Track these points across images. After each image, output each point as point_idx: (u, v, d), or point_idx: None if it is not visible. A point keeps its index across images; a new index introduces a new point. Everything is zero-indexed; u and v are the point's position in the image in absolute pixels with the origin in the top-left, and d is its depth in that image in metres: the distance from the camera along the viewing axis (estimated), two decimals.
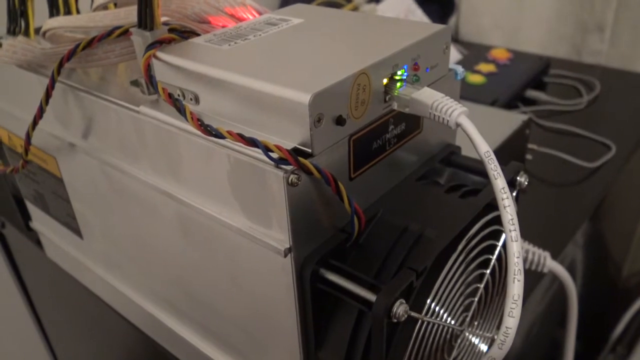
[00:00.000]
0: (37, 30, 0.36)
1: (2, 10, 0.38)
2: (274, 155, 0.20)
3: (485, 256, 0.26)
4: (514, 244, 0.20)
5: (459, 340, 0.27)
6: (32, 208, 0.43)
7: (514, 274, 0.20)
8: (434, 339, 0.25)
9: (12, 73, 0.34)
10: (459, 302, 0.26)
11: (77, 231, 0.38)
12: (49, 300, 0.58)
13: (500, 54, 0.70)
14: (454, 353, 0.27)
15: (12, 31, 0.36)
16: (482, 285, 0.27)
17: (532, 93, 0.65)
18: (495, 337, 0.32)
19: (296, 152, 0.21)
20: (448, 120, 0.22)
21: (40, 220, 0.43)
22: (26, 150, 0.31)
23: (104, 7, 0.37)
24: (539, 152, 0.53)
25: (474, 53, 0.73)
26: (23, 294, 0.63)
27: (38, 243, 0.47)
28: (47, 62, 0.30)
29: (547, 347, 0.58)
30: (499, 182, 0.21)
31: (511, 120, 0.41)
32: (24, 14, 0.36)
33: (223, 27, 0.29)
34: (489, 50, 0.72)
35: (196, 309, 0.31)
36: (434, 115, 0.22)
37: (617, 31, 0.77)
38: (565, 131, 0.58)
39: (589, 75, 0.69)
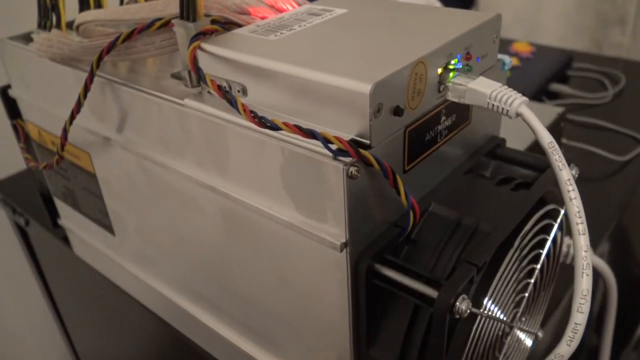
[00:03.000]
0: (68, 24, 0.35)
1: (25, 5, 0.38)
2: (333, 146, 0.20)
3: (536, 251, 0.26)
4: (581, 238, 0.20)
5: (509, 337, 0.27)
6: (61, 205, 0.43)
7: (583, 268, 0.20)
8: (488, 335, 0.24)
9: (46, 67, 0.33)
10: (511, 298, 0.25)
11: (108, 228, 0.38)
12: (72, 298, 0.58)
13: (522, 48, 0.69)
14: (504, 349, 0.27)
15: (43, 25, 0.35)
16: (532, 281, 0.26)
17: (556, 87, 0.64)
18: (539, 333, 0.31)
19: (354, 144, 0.20)
20: (508, 110, 0.21)
21: (69, 217, 0.43)
22: (62, 146, 0.31)
23: (136, 0, 0.37)
24: (568, 145, 0.52)
25: None
26: (45, 292, 0.63)
27: (65, 240, 0.46)
28: (85, 55, 0.30)
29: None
30: (564, 174, 0.20)
31: (547, 113, 0.40)
32: (55, 8, 0.35)
33: (263, 18, 0.29)
34: (511, 44, 0.71)
35: (235, 304, 0.30)
36: (493, 105, 0.22)
37: (638, 24, 0.76)
38: (592, 125, 0.58)
39: (613, 68, 0.68)
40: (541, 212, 0.24)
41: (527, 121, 0.21)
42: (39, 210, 0.49)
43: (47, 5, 0.35)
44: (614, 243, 0.62)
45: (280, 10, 0.29)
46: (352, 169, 0.20)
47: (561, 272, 0.39)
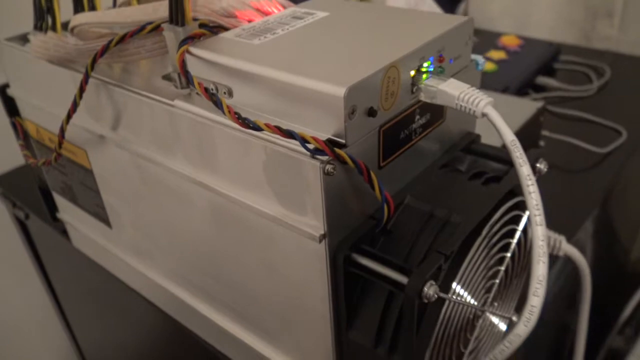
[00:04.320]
0: (63, 25, 0.37)
1: (19, 7, 0.39)
2: (310, 146, 0.21)
3: (506, 240, 0.28)
4: (539, 228, 0.21)
5: (480, 321, 0.29)
6: (59, 199, 0.44)
7: (539, 256, 0.21)
8: (458, 318, 0.26)
9: (42, 68, 0.35)
10: (482, 284, 0.27)
11: (105, 221, 0.39)
12: (72, 289, 0.60)
13: (510, 41, 0.71)
14: (476, 332, 0.29)
15: (39, 27, 0.37)
16: (503, 268, 0.28)
17: (542, 80, 0.66)
18: (514, 318, 0.33)
19: (330, 143, 0.22)
20: (474, 111, 0.23)
21: (67, 211, 0.44)
22: (60, 144, 0.33)
23: (128, 3, 0.38)
24: (551, 138, 0.54)
25: (484, 40, 0.73)
26: (46, 285, 0.65)
27: (64, 233, 0.48)
28: (80, 57, 0.31)
29: (558, 330, 0.59)
30: (525, 170, 0.22)
31: (526, 108, 0.42)
32: (50, 9, 0.37)
33: (249, 21, 0.30)
34: (499, 37, 0.72)
35: (227, 293, 0.32)
36: (461, 105, 0.23)
37: (626, 17, 0.78)
38: (576, 117, 0.59)
39: (599, 61, 0.70)
40: (509, 203, 0.26)
41: (491, 121, 0.23)
42: (39, 204, 0.50)
43: (42, 7, 0.37)
44: (598, 232, 0.64)
45: (265, 13, 0.31)
46: (328, 167, 0.21)
47: None
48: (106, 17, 0.32)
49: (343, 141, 0.22)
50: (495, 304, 0.30)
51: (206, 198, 0.28)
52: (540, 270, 0.21)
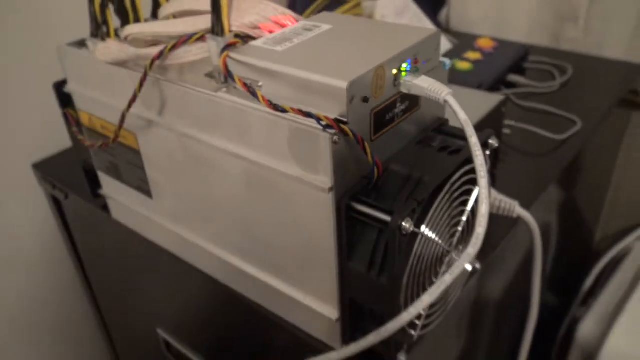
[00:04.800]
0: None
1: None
2: (323, 123, 0.30)
3: (465, 197, 0.37)
4: (482, 180, 0.31)
5: (447, 259, 0.38)
6: (104, 177, 0.53)
7: (483, 198, 0.30)
8: (429, 253, 0.35)
9: (101, 68, 0.43)
10: (447, 229, 0.36)
11: (147, 193, 0.48)
12: (102, 261, 0.68)
13: (485, 43, 0.80)
14: (443, 269, 0.38)
15: (96, 35, 0.46)
16: (464, 218, 0.37)
17: (513, 77, 0.75)
18: (477, 265, 0.43)
19: (336, 121, 0.31)
20: (439, 98, 0.32)
21: (110, 187, 0.53)
22: (120, 128, 0.41)
23: (167, 17, 0.47)
24: (516, 127, 0.63)
25: (463, 42, 0.82)
26: (76, 261, 0.73)
27: (103, 208, 0.57)
28: (139, 60, 0.40)
29: (525, 301, 0.68)
30: (473, 139, 0.31)
31: (490, 100, 0.51)
32: (106, 22, 0.46)
33: (270, 32, 0.39)
34: (475, 40, 0.82)
35: (255, 247, 0.41)
36: (429, 95, 0.33)
37: (590, 21, 0.87)
38: (539, 110, 0.69)
39: (563, 61, 0.80)
40: (466, 167, 0.35)
41: (450, 105, 0.32)
42: (77, 185, 0.59)
43: (98, 19, 0.46)
44: (562, 215, 0.74)
45: (282, 26, 0.40)
46: (335, 137, 0.30)
47: (498, 223, 0.50)
48: (155, 28, 0.41)
49: (346, 120, 0.31)
50: (460, 247, 0.40)
51: (240, 167, 0.37)
52: (483, 209, 0.30)
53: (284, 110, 0.31)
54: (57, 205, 0.68)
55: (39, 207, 0.74)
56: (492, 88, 0.72)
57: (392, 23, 0.39)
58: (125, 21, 0.47)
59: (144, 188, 0.48)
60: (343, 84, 0.30)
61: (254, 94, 0.33)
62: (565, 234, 0.82)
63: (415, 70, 0.35)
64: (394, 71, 0.33)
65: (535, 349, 0.81)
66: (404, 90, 0.34)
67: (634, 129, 0.89)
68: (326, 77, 0.31)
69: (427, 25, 0.84)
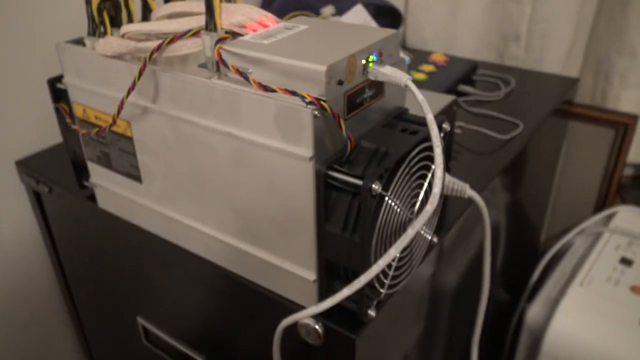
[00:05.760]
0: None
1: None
2: (306, 100, 0.36)
3: (423, 172, 0.43)
4: (437, 149, 0.37)
5: (409, 226, 0.44)
6: (93, 167, 0.57)
7: (438, 165, 0.37)
8: (393, 219, 0.41)
9: (99, 62, 0.48)
10: (408, 200, 0.42)
11: (137, 178, 0.53)
12: (82, 255, 0.72)
13: (438, 58, 0.89)
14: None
15: (93, 33, 0.51)
16: (422, 191, 0.44)
17: (463, 87, 0.84)
18: (435, 239, 0.49)
19: (317, 99, 0.37)
20: (400, 83, 0.39)
21: (100, 176, 0.57)
22: (119, 111, 0.46)
23: (160, 19, 0.52)
24: (466, 128, 0.71)
25: (418, 57, 0.91)
26: (54, 257, 0.76)
27: (89, 198, 0.61)
28: (138, 53, 0.45)
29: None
30: (429, 116, 0.38)
31: (443, 100, 0.58)
32: (103, 22, 0.51)
33: (254, 31, 0.45)
34: (430, 55, 0.90)
35: (240, 219, 0.46)
36: (393, 80, 0.39)
37: (530, 40, 0.97)
38: (486, 115, 0.77)
39: (508, 75, 0.89)
40: (423, 145, 0.42)
41: (410, 88, 0.39)
42: (60, 180, 0.63)
43: (95, 20, 0.51)
44: (510, 215, 0.82)
45: (265, 26, 0.46)
46: (316, 112, 0.36)
47: (455, 203, 0.57)
48: (151, 27, 0.47)
49: (324, 99, 0.37)
50: None
51: (229, 145, 0.42)
52: (438, 172, 0.37)
53: (273, 91, 0.37)
54: (39, 201, 0.71)
55: (19, 204, 0.77)
56: None
57: (360, 25, 0.45)
58: (119, 22, 0.52)
59: (133, 174, 0.53)
60: (322, 68, 0.36)
61: (246, 78, 0.38)
62: (514, 233, 0.90)
63: (380, 62, 0.41)
64: (363, 61, 0.40)
65: (491, 339, 0.88)
66: (371, 77, 0.40)
67: (571, 136, 0.99)
68: (308, 63, 0.37)
69: None
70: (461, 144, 0.70)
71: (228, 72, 0.41)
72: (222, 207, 0.47)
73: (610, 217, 0.92)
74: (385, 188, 0.39)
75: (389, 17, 1.00)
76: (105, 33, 0.51)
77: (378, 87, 0.43)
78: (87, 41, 0.51)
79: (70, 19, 0.68)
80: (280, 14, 0.92)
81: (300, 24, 0.45)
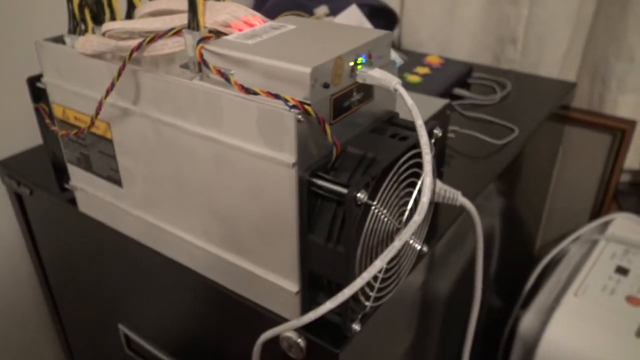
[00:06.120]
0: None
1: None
2: (289, 103, 0.34)
3: (413, 179, 0.42)
4: (427, 156, 0.35)
5: (397, 235, 0.42)
6: (73, 169, 0.55)
7: (427, 173, 0.35)
8: (380, 228, 0.39)
9: (79, 60, 0.46)
10: (396, 208, 0.41)
11: (117, 182, 0.51)
12: (64, 256, 0.70)
13: (433, 60, 0.87)
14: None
15: (74, 31, 0.49)
16: (411, 199, 0.42)
17: (458, 90, 0.82)
18: (425, 248, 0.47)
19: (301, 103, 0.35)
20: (389, 87, 0.37)
21: (79, 179, 0.55)
22: (97, 113, 0.44)
23: (144, 16, 0.50)
24: (460, 132, 0.70)
25: (413, 59, 0.89)
26: (36, 259, 0.74)
27: (70, 202, 0.59)
28: (118, 52, 0.43)
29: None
30: (419, 122, 0.36)
31: (436, 104, 0.57)
32: (84, 20, 0.49)
33: (240, 30, 0.43)
34: (425, 57, 0.88)
35: (221, 226, 0.44)
36: (382, 83, 0.37)
37: (526, 43, 0.96)
38: (481, 119, 0.75)
39: (503, 78, 0.87)
40: (412, 151, 0.40)
41: (400, 93, 0.37)
42: (41, 182, 0.61)
43: (76, 17, 0.49)
44: (505, 220, 0.80)
45: (251, 25, 0.44)
46: (299, 116, 0.34)
47: (447, 210, 0.55)
48: (133, 24, 0.45)
49: (309, 102, 0.35)
50: None
51: (211, 149, 0.40)
52: (427, 181, 0.35)
53: (255, 93, 0.35)
54: (20, 202, 0.69)
55: (0, 206, 0.75)
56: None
57: (350, 25, 0.43)
58: (101, 20, 0.50)
59: (114, 177, 0.51)
60: (307, 70, 0.34)
61: (227, 79, 0.37)
62: (508, 239, 0.88)
63: (369, 64, 0.40)
64: (351, 63, 0.38)
65: (484, 347, 0.87)
66: (359, 80, 0.39)
67: (567, 141, 0.97)
68: (292, 64, 0.35)
69: None
70: (455, 149, 0.69)
71: (210, 73, 0.39)
72: (204, 214, 0.45)
73: (606, 225, 0.91)
74: (372, 197, 0.37)
75: (384, 18, 0.99)
76: (86, 31, 0.49)
77: (367, 90, 0.41)
78: (68, 39, 0.49)
79: (55, 15, 0.66)
80: (273, 13, 0.91)
81: (288, 24, 0.43)
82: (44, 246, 0.72)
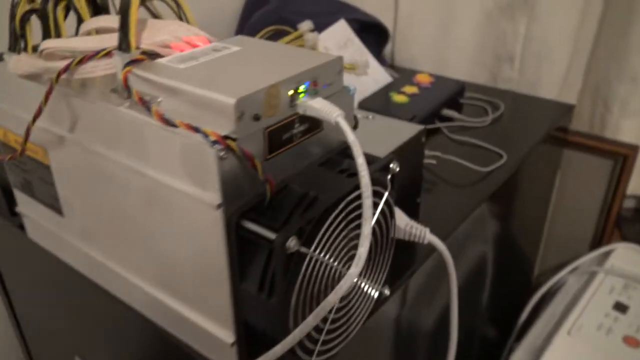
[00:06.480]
0: (33, 48, 0.45)
1: None
2: (210, 138, 0.30)
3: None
4: (367, 200, 0.31)
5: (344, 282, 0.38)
6: (19, 194, 0.52)
7: (366, 219, 0.31)
8: (324, 273, 0.35)
9: (15, 81, 0.43)
10: (344, 252, 0.36)
11: (58, 210, 0.47)
12: (22, 280, 0.66)
13: (423, 78, 0.83)
14: (344, 299, 0.38)
15: (13, 49, 0.45)
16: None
17: (447, 112, 0.77)
18: (386, 291, 0.43)
19: (226, 137, 0.31)
20: (330, 119, 0.33)
21: (25, 205, 0.52)
22: (25, 140, 0.41)
23: (89, 33, 0.47)
24: (442, 158, 0.65)
25: (403, 77, 0.85)
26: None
27: (20, 227, 0.55)
28: (47, 73, 0.40)
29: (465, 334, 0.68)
30: (360, 160, 0.32)
31: (410, 130, 0.52)
32: (24, 36, 0.45)
33: (181, 51, 0.39)
34: (415, 75, 0.84)
35: (157, 266, 0.40)
36: (322, 116, 0.33)
37: (524, 61, 0.91)
38: (469, 143, 0.71)
39: (496, 98, 0.83)
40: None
41: (341, 127, 0.33)
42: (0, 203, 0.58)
43: (17, 33, 0.45)
44: (500, 247, 0.75)
45: (194, 46, 0.40)
46: (222, 153, 0.30)
47: (408, 250, 0.51)
48: (71, 43, 0.41)
49: (235, 136, 0.31)
50: (369, 271, 0.40)
51: (141, 184, 0.37)
52: (366, 229, 0.31)
53: (173, 124, 0.31)
54: None
55: None
56: (426, 121, 0.73)
57: (298, 48, 0.39)
58: (46, 36, 0.47)
59: (55, 205, 0.47)
60: (231, 101, 0.30)
61: (148, 107, 0.33)
62: (503, 266, 0.83)
63: (314, 93, 0.36)
64: (290, 92, 0.34)
65: None
66: (300, 111, 0.35)
67: (566, 166, 0.92)
68: (217, 94, 0.31)
69: (370, 59, 0.86)
70: (438, 175, 0.64)
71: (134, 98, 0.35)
72: (140, 251, 0.41)
73: (606, 255, 0.85)
74: (308, 242, 0.33)
75: (375, 33, 0.95)
76: (26, 47, 0.45)
77: (313, 120, 0.37)
78: (6, 57, 0.46)
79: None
80: (258, 28, 0.87)
81: (234, 45, 0.40)
82: (6, 272, 0.69)
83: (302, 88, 0.35)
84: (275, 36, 0.86)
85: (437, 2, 0.96)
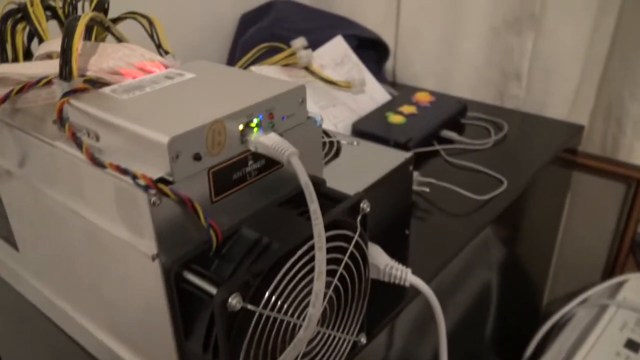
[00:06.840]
0: None
1: None
2: (141, 182, 0.27)
3: (332, 266, 0.33)
4: (319, 253, 0.27)
5: (308, 333, 0.34)
6: None
7: (318, 274, 0.27)
8: (278, 330, 0.31)
9: None
10: (303, 304, 0.32)
11: (14, 244, 0.44)
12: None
13: (422, 97, 0.79)
14: (307, 347, 0.34)
15: None
16: (329, 290, 0.34)
17: (447, 133, 0.73)
18: (362, 339, 0.39)
19: (162, 180, 0.27)
20: (281, 159, 0.29)
21: None
22: None
23: (48, 55, 0.44)
24: (437, 185, 0.61)
25: (402, 95, 0.81)
26: None
27: None
28: None
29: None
30: (313, 206, 0.28)
31: (396, 157, 0.48)
32: None
33: (133, 78, 0.36)
34: (414, 93, 0.80)
35: (109, 315, 0.37)
36: (273, 154, 0.30)
37: (531, 79, 0.86)
38: (467, 167, 0.66)
39: (500, 118, 0.78)
40: (330, 233, 0.32)
41: (293, 166, 0.29)
42: None
43: None
44: (506, 274, 0.71)
45: (148, 72, 0.37)
46: (154, 198, 0.27)
47: (394, 287, 0.47)
48: (19, 69, 0.38)
49: (171, 179, 0.28)
50: (332, 322, 0.36)
51: (80, 225, 0.33)
52: (317, 286, 0.27)
53: (102, 165, 0.28)
54: None
55: None
56: (424, 143, 0.69)
57: (261, 75, 0.36)
58: (4, 58, 0.44)
59: (10, 239, 0.44)
60: (164, 139, 0.27)
61: (79, 145, 0.29)
62: (510, 294, 0.78)
63: (270, 126, 0.32)
64: (241, 126, 0.30)
65: None
66: (251, 147, 0.31)
67: (576, 190, 0.87)
68: (151, 131, 0.28)
69: (367, 76, 0.82)
70: (433, 203, 0.60)
71: (80, 134, 0.32)
72: (90, 296, 0.38)
73: (619, 286, 0.80)
74: (257, 297, 0.29)
75: (374, 49, 0.91)
76: None
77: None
78: None
79: None
80: (251, 45, 0.84)
81: (190, 72, 0.36)
82: None
83: (255, 122, 0.31)
84: (268, 53, 0.82)
85: (440, 15, 0.92)
